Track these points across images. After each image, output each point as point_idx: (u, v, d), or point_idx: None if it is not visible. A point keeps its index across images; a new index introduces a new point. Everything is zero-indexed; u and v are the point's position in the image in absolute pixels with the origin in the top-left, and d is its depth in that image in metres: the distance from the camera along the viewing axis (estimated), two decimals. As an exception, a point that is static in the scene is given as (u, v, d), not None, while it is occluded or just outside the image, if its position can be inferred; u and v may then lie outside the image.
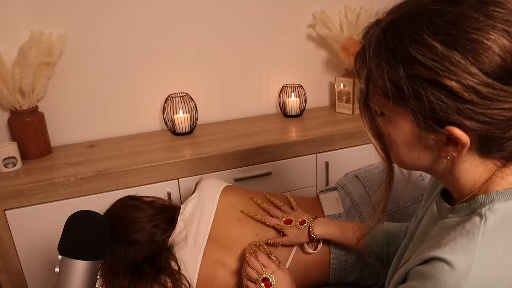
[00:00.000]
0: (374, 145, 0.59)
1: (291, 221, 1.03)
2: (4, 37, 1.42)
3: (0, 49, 1.39)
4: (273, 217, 1.06)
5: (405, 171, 0.66)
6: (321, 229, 1.00)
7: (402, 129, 0.55)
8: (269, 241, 1.02)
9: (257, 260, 0.92)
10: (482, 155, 0.54)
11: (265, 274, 0.89)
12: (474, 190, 0.56)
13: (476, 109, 0.49)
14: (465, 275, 0.48)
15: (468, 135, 0.51)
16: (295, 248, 1.04)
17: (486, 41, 0.48)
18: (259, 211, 1.09)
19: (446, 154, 0.54)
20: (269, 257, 0.94)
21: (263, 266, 0.91)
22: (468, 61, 0.48)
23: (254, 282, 0.90)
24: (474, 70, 0.48)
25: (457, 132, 0.51)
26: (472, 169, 0.56)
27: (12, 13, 1.42)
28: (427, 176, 1.08)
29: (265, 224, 1.06)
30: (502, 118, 0.49)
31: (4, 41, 1.42)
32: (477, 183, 0.56)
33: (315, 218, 1.03)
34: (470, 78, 0.48)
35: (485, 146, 0.53)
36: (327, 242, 1.05)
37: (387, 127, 0.57)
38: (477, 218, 0.52)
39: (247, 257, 0.94)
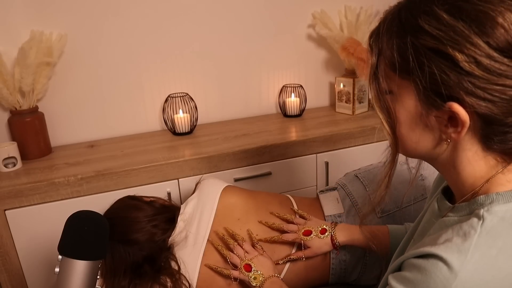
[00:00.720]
0: (380, 118, 0.59)
1: (311, 232, 1.00)
2: (4, 37, 1.42)
3: (0, 49, 1.39)
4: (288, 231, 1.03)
5: (406, 170, 0.65)
6: (344, 235, 0.98)
7: (407, 106, 0.56)
8: (291, 257, 1.01)
9: (242, 248, 0.97)
10: (483, 146, 0.54)
11: (246, 260, 0.95)
12: (475, 188, 0.56)
13: (477, 83, 0.49)
14: (455, 274, 0.49)
15: (467, 112, 0.50)
16: (294, 248, 1.04)
17: (492, 13, 0.48)
18: (253, 212, 1.08)
19: (446, 136, 0.54)
20: (254, 246, 0.99)
21: (246, 253, 0.96)
22: (472, 32, 0.48)
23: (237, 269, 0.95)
24: (477, 40, 0.48)
25: (457, 107, 0.50)
26: (474, 162, 0.55)
27: (12, 13, 1.42)
28: (428, 176, 1.08)
29: (283, 241, 1.02)
30: (504, 97, 0.49)
31: (4, 41, 1.42)
32: (478, 180, 0.56)
33: (335, 225, 1.00)
34: (473, 49, 0.48)
35: (486, 131, 0.52)
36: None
37: (394, 105, 0.58)
38: (475, 219, 0.52)
39: (234, 245, 0.99)
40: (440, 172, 0.64)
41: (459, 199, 0.59)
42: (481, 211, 0.52)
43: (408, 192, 1.07)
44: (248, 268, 0.94)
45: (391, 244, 0.93)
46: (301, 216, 1.07)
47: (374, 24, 1.74)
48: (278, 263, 1.01)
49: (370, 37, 0.59)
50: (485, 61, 0.48)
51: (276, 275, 0.93)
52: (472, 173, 0.56)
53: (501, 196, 0.53)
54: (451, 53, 0.49)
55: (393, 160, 0.63)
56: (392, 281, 0.56)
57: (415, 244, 0.65)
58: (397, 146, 0.60)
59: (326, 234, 0.99)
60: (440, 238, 0.53)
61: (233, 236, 1.01)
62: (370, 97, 1.83)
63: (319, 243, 0.99)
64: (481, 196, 0.55)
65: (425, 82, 0.52)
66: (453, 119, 0.52)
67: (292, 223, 1.04)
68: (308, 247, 1.00)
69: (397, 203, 1.06)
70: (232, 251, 0.98)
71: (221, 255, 1.00)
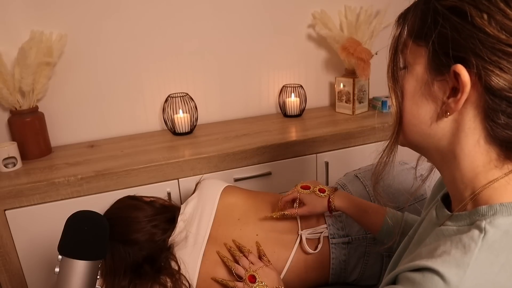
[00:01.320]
0: (391, 95, 0.58)
1: (309, 187, 1.01)
2: (4, 37, 1.42)
3: (0, 49, 1.39)
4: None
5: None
6: (342, 201, 0.98)
7: (415, 73, 0.55)
8: (285, 213, 1.01)
9: (248, 259, 0.97)
10: (487, 132, 0.51)
11: (251, 271, 0.93)
12: (474, 190, 0.53)
13: (487, 42, 0.47)
14: None
15: (472, 80, 0.48)
16: (295, 248, 1.04)
17: None
18: (253, 212, 1.09)
19: (446, 107, 0.52)
20: (260, 258, 0.98)
21: (251, 264, 0.95)
22: None
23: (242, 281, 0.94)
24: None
25: (460, 68, 0.48)
26: (474, 153, 0.52)
27: (12, 13, 1.42)
28: (428, 177, 1.08)
29: (284, 202, 1.04)
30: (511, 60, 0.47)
31: (4, 41, 1.42)
32: (478, 177, 0.53)
33: (335, 189, 1.01)
34: (489, 5, 0.47)
35: (492, 107, 0.49)
36: (327, 242, 1.05)
37: (405, 79, 0.57)
38: (475, 231, 0.48)
39: (239, 257, 0.98)
40: (438, 167, 0.60)
41: (456, 203, 0.56)
42: (483, 223, 0.48)
43: (407, 193, 1.07)
44: (253, 279, 0.93)
45: (383, 226, 0.92)
46: (303, 186, 1.07)
47: (374, 24, 1.75)
48: (272, 217, 1.03)
49: (399, 17, 0.58)
50: (498, 17, 0.47)
51: (280, 287, 0.93)
52: (472, 166, 0.53)
53: (505, 208, 0.49)
54: (466, 9, 0.48)
55: (394, 128, 0.60)
56: None
57: (410, 253, 0.63)
58: (401, 120, 0.58)
59: (324, 194, 0.99)
60: (438, 250, 0.50)
61: (240, 248, 1.01)
62: (370, 97, 1.84)
63: (316, 201, 0.99)
64: (483, 206, 0.51)
65: (436, 43, 0.51)
66: (456, 90, 0.50)
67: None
68: (304, 205, 1.00)
69: (396, 203, 1.06)
70: (238, 262, 0.98)
71: (221, 257, 1.00)
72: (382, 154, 0.62)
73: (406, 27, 0.56)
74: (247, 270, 0.95)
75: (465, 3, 0.48)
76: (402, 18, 0.57)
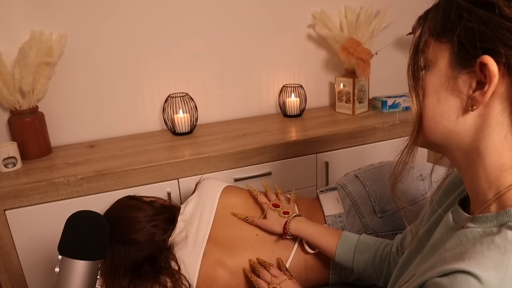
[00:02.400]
0: (410, 94, 0.57)
1: (278, 206, 1.07)
2: (4, 37, 1.42)
3: (0, 49, 1.39)
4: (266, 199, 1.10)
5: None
6: (297, 226, 1.01)
7: (438, 70, 0.54)
8: (247, 217, 1.06)
9: (269, 272, 0.96)
10: None
11: (274, 284, 0.93)
12: (499, 188, 0.51)
13: None
14: None
15: (500, 69, 0.48)
16: (295, 248, 1.04)
17: None
18: (253, 213, 1.09)
19: (472, 101, 0.51)
20: (281, 270, 0.98)
21: (274, 277, 0.95)
22: None
23: None
24: None
25: (488, 59, 0.48)
26: (501, 149, 0.50)
27: (12, 13, 1.42)
28: (428, 176, 1.08)
29: (256, 200, 1.10)
30: None
31: (4, 41, 1.42)
32: (504, 175, 0.51)
33: (298, 215, 1.04)
34: None
35: None
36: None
37: (426, 78, 0.56)
38: (509, 232, 0.47)
39: (260, 270, 0.97)
40: (458, 167, 0.58)
41: (478, 204, 0.54)
42: None
43: (407, 193, 1.07)
44: (277, 205, 1.00)
45: (338, 247, 0.94)
46: (274, 204, 1.10)
47: (374, 24, 1.75)
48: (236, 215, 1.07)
49: (419, 18, 0.58)
50: None
51: None
52: (498, 163, 0.51)
53: None
54: (493, 0, 0.48)
55: (415, 129, 0.58)
56: None
57: (425, 259, 0.60)
58: (422, 119, 0.57)
59: (286, 216, 1.03)
60: (467, 253, 0.47)
61: (261, 263, 1.01)
62: (370, 97, 1.84)
63: (275, 220, 1.04)
64: None
65: (460, 37, 0.50)
66: (482, 83, 0.49)
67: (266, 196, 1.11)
68: (265, 218, 1.05)
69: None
70: (259, 276, 0.97)
71: (223, 254, 1.00)
72: (401, 155, 0.61)
73: (427, 27, 0.56)
74: (269, 284, 0.94)
75: None
76: (423, 19, 0.57)
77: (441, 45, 0.53)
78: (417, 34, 0.57)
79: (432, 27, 0.55)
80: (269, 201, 1.09)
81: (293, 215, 1.03)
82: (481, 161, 0.52)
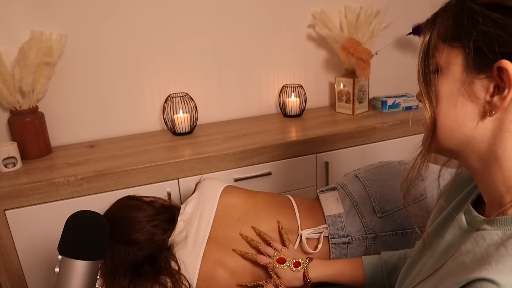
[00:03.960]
0: (424, 99, 0.56)
1: (285, 261, 0.97)
2: (4, 37, 1.42)
3: (0, 49, 1.39)
4: (264, 254, 1.01)
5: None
6: (316, 272, 0.95)
7: (451, 75, 0.53)
8: (260, 283, 0.97)
9: (272, 247, 0.98)
10: None
11: (277, 256, 0.95)
12: None
13: None
14: None
15: None
16: (295, 248, 1.04)
17: None
18: (253, 213, 1.08)
19: (490, 106, 0.50)
20: (284, 244, 1.00)
21: (277, 251, 0.97)
22: None
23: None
24: None
25: (507, 63, 0.47)
26: None
27: (12, 13, 1.42)
28: (428, 176, 1.08)
29: (256, 261, 1.00)
30: None
31: (4, 41, 1.42)
32: None
33: (310, 260, 0.97)
34: None
35: None
36: (327, 242, 1.05)
37: (438, 83, 0.54)
38: None
39: (260, 245, 0.99)
40: (473, 172, 0.57)
41: (495, 207, 0.53)
42: None
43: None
44: (283, 260, 0.96)
45: (367, 279, 0.91)
46: (282, 240, 1.04)
47: (374, 24, 1.75)
48: (246, 286, 0.98)
49: (426, 24, 0.57)
50: None
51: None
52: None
53: None
54: (509, 3, 0.47)
55: (429, 137, 0.57)
56: None
57: (438, 262, 0.59)
58: (432, 119, 0.55)
59: (299, 268, 0.96)
60: (491, 258, 0.46)
61: (261, 237, 1.01)
62: (370, 97, 1.84)
63: (291, 276, 0.95)
64: None
65: (476, 42, 0.49)
66: (500, 88, 0.49)
67: (270, 245, 1.02)
68: (279, 277, 0.96)
69: (396, 203, 1.06)
70: (260, 252, 0.97)
71: (224, 253, 1.00)
72: (414, 162, 0.60)
73: (436, 31, 0.55)
74: (273, 257, 0.94)
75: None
76: (431, 23, 0.56)
77: (453, 50, 0.52)
78: (426, 38, 0.56)
79: (443, 32, 0.54)
80: (271, 257, 0.99)
81: (306, 262, 0.96)
82: (499, 165, 0.52)
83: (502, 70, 0.48)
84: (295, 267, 0.96)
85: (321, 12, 1.75)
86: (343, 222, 1.07)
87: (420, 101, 0.58)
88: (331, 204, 1.12)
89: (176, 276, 0.96)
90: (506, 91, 0.48)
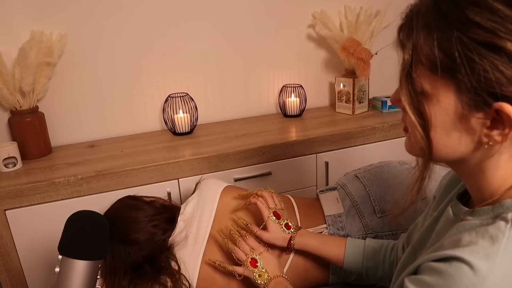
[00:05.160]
0: (413, 120, 0.53)
1: (280, 217, 1.00)
2: (4, 37, 1.42)
3: (0, 49, 1.39)
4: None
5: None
6: (301, 239, 0.98)
7: (444, 107, 0.51)
8: (247, 224, 0.99)
9: (246, 243, 0.96)
10: None
11: (253, 255, 0.93)
12: (500, 193, 0.53)
13: None
14: (483, 279, 0.46)
15: None
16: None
17: None
18: (253, 213, 1.08)
19: (488, 139, 0.50)
20: (258, 241, 0.98)
21: (252, 248, 0.95)
22: None
23: (241, 265, 0.93)
24: None
25: (506, 106, 0.46)
26: (506, 166, 0.52)
27: (12, 13, 1.42)
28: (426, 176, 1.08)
29: (255, 207, 1.02)
30: None
31: (4, 41, 1.42)
32: (505, 183, 0.53)
33: (299, 228, 1.00)
34: None
35: None
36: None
37: (427, 106, 0.52)
38: (502, 223, 0.49)
39: (238, 239, 0.97)
40: (462, 176, 0.60)
41: (478, 203, 0.56)
42: (510, 215, 0.49)
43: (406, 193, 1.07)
44: (255, 264, 0.92)
45: (346, 256, 0.93)
46: (275, 212, 1.03)
47: (374, 24, 1.75)
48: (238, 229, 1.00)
49: (400, 31, 0.54)
50: None
51: (282, 275, 0.91)
52: (501, 177, 0.53)
53: None
54: (509, 47, 0.44)
55: (426, 163, 0.57)
56: (409, 284, 0.53)
57: (427, 252, 0.61)
58: (432, 150, 0.55)
59: (288, 231, 0.98)
60: (463, 241, 0.50)
61: (237, 232, 1.00)
62: (370, 97, 1.84)
63: (277, 234, 0.98)
64: (508, 200, 0.52)
65: (473, 81, 0.47)
66: (498, 120, 0.48)
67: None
68: (267, 230, 0.98)
69: (395, 203, 1.06)
70: (237, 246, 0.96)
71: (223, 254, 1.00)
72: (412, 190, 0.61)
73: (420, 57, 0.51)
74: (248, 255, 0.93)
75: (506, 40, 0.45)
76: (405, 37, 0.52)
77: (442, 81, 0.50)
78: (407, 58, 0.52)
79: (428, 58, 0.50)
80: (269, 207, 1.01)
81: (295, 230, 0.99)
82: (484, 177, 0.54)
83: (501, 112, 0.47)
84: (286, 228, 0.99)
85: (321, 12, 1.75)
86: (343, 222, 1.07)
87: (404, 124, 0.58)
88: (331, 204, 1.12)
89: (176, 276, 0.96)
90: (507, 130, 0.48)
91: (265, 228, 0.99)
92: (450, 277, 0.48)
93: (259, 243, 0.97)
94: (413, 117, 0.53)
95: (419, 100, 0.53)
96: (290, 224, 1.00)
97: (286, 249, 0.99)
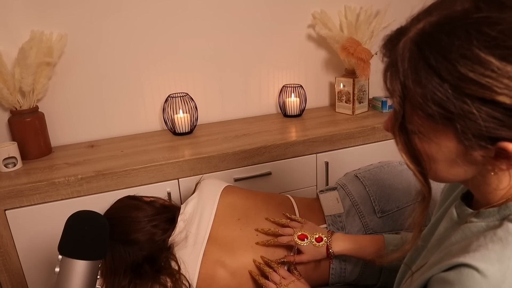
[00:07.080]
0: (411, 168, 0.53)
1: (306, 237, 0.98)
2: (4, 37, 1.42)
3: (0, 49, 1.39)
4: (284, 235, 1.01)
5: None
6: (339, 245, 0.96)
7: (444, 146, 0.50)
8: (282, 259, 0.99)
9: (278, 273, 0.95)
10: None
11: (282, 286, 0.92)
12: (506, 196, 0.53)
13: None
14: (498, 286, 0.45)
15: None
16: (294, 248, 1.04)
17: None
18: (253, 213, 1.07)
19: (493, 167, 0.50)
20: (290, 271, 0.97)
21: (283, 278, 0.94)
22: None
23: None
24: None
25: (507, 145, 0.46)
26: (510, 177, 0.52)
27: (12, 13, 1.42)
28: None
29: (278, 244, 1.00)
30: None
31: (4, 41, 1.42)
32: (509, 191, 0.52)
33: (332, 234, 0.99)
34: None
35: None
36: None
37: (425, 145, 0.52)
38: (510, 225, 0.48)
39: (269, 272, 0.96)
40: (466, 186, 0.59)
41: (483, 205, 0.55)
42: None
43: (407, 193, 1.07)
44: (304, 237, 0.93)
45: (388, 252, 0.91)
46: (297, 222, 1.05)
47: (374, 24, 1.75)
48: (269, 261, 1.00)
49: (385, 77, 0.52)
50: None
51: None
52: (506, 185, 0.52)
53: None
54: (508, 102, 0.43)
55: (425, 208, 0.57)
56: None
57: (429, 253, 0.61)
58: (430, 194, 0.56)
59: (322, 243, 0.97)
60: (471, 246, 0.49)
61: (268, 264, 0.99)
62: (370, 97, 1.84)
63: (314, 251, 0.97)
64: None
65: (474, 129, 0.46)
66: (502, 154, 0.48)
67: (288, 226, 1.03)
68: (302, 253, 0.98)
69: (396, 203, 1.06)
70: (267, 278, 0.96)
71: (221, 255, 1.00)
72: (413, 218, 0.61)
73: (413, 107, 0.50)
74: (278, 285, 0.93)
75: (504, 96, 0.44)
76: (398, 90, 0.50)
77: (443, 127, 0.49)
78: (397, 107, 0.51)
79: (421, 108, 0.48)
80: (291, 235, 0.99)
81: (329, 238, 0.97)
82: (488, 186, 0.54)
83: (505, 150, 0.47)
84: (317, 242, 0.97)
85: (321, 12, 1.75)
86: (343, 222, 1.07)
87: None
88: (331, 204, 1.12)
89: (176, 276, 0.96)
90: None
91: (299, 252, 0.99)
92: (462, 286, 0.46)
93: (293, 271, 0.97)
94: (411, 166, 0.54)
95: (414, 147, 0.52)
96: (320, 236, 0.98)
97: (328, 258, 0.98)
